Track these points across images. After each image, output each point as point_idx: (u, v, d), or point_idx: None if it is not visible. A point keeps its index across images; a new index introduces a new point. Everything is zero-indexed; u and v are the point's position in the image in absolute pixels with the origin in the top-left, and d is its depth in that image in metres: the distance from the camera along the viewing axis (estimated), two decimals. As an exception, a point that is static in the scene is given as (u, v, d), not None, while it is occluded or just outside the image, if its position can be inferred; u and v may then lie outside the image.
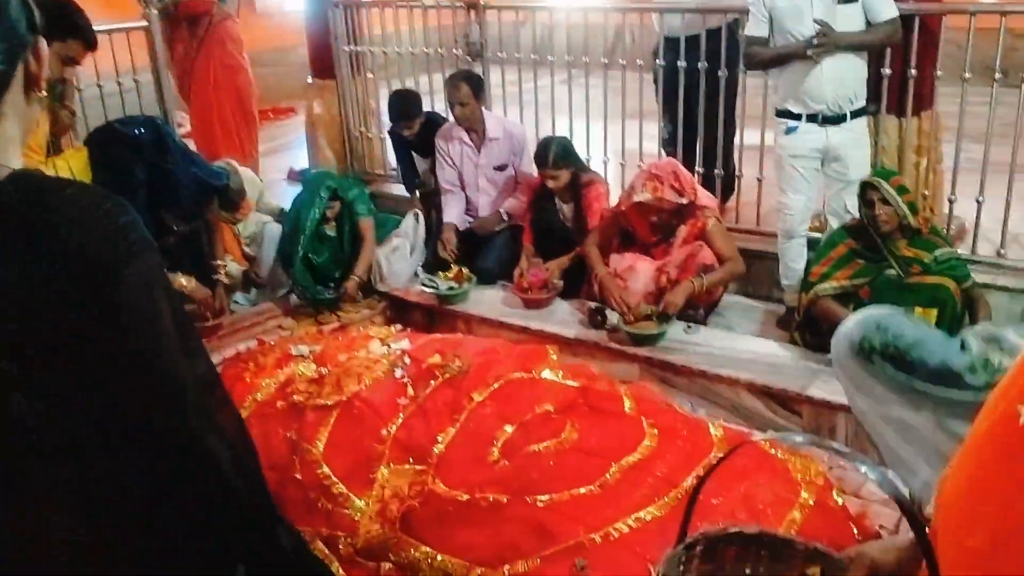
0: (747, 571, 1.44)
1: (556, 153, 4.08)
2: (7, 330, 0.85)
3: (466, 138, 4.53)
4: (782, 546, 1.42)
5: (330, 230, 4.32)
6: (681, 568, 1.40)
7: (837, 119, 3.54)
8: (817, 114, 3.54)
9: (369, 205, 4.43)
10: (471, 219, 4.66)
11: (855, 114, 3.56)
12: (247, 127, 5.93)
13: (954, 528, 0.94)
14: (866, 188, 3.27)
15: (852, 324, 1.89)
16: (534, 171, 4.37)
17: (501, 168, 4.57)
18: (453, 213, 4.61)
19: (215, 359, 3.78)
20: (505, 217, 4.55)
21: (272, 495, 2.83)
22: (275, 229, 4.45)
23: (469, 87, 4.36)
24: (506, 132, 4.54)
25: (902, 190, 3.24)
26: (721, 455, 2.56)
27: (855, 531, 2.46)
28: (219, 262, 4.05)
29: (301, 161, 6.28)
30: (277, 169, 6.41)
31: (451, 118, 4.57)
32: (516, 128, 4.65)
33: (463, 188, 4.65)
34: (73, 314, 0.86)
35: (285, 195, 5.28)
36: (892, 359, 1.71)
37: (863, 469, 1.07)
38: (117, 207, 0.92)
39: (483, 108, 4.55)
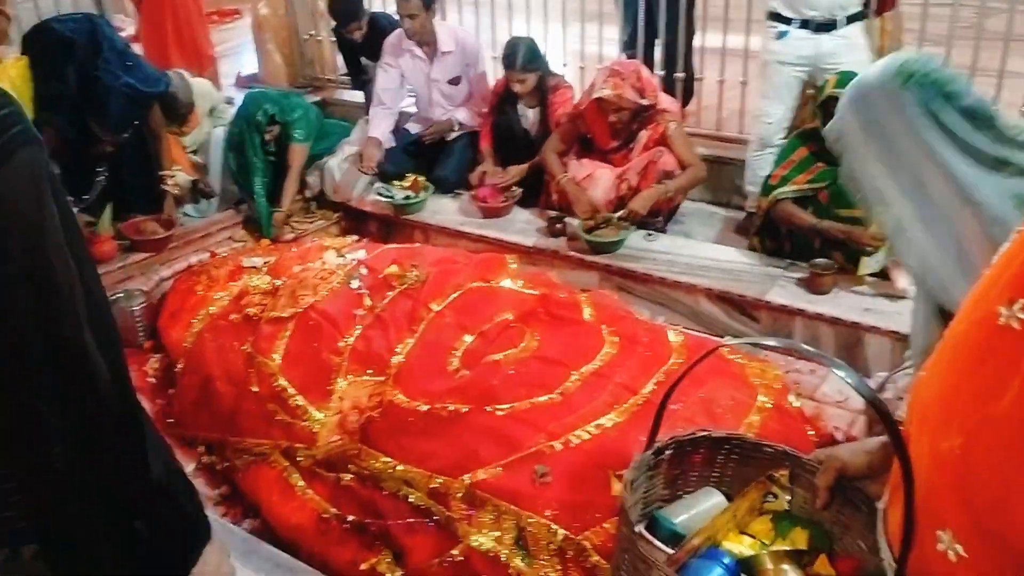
0: (715, 474, 1.44)
1: (524, 56, 3.94)
2: None
3: (417, 51, 4.32)
4: (751, 449, 1.42)
5: (272, 146, 4.16)
6: (650, 472, 1.39)
7: (830, 26, 3.44)
8: (810, 20, 3.44)
9: (309, 129, 4.19)
10: (417, 130, 4.51)
11: (850, 19, 3.46)
12: (203, 27, 5.62)
13: (928, 430, 0.93)
14: (830, 100, 3.20)
15: (892, 56, 1.84)
16: (489, 81, 4.23)
17: (455, 81, 4.40)
18: (380, 128, 4.40)
19: (166, 272, 3.71)
20: (456, 126, 4.42)
21: (226, 410, 2.79)
22: (220, 134, 4.27)
23: None
24: (459, 43, 4.33)
25: None
26: (681, 361, 2.59)
27: (811, 433, 2.51)
28: (166, 172, 3.90)
29: (250, 66, 6.03)
30: (224, 75, 6.15)
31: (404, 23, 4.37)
32: (469, 38, 4.45)
33: (419, 103, 4.49)
34: None
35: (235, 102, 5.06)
36: (927, 87, 1.67)
37: (841, 374, 1.05)
38: None
39: (435, 19, 4.33)
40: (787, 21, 3.50)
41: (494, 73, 4.45)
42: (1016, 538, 0.82)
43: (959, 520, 0.88)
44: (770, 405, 2.43)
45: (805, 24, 3.47)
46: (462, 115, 4.40)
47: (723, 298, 3.34)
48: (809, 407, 2.83)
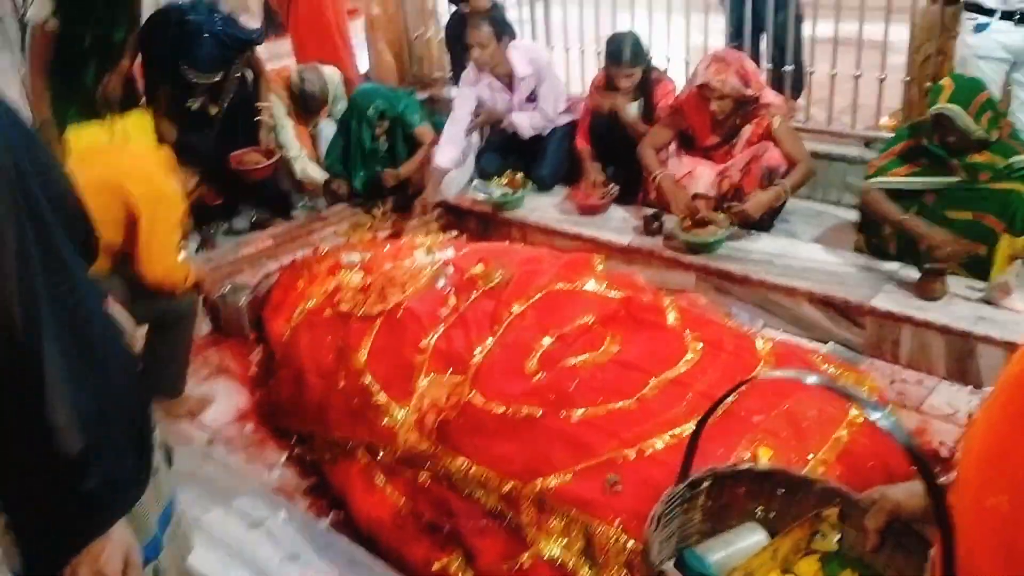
0: (760, 509, 1.35)
1: (632, 50, 3.87)
2: None
3: (495, 83, 4.26)
4: (798, 484, 1.32)
5: (382, 143, 4.23)
6: (684, 506, 1.32)
7: None
8: (1016, 12, 3.20)
9: (421, 112, 4.27)
10: None
11: None
12: (347, 20, 5.71)
13: (975, 484, 0.84)
14: (940, 116, 2.96)
15: None
16: (560, 91, 4.24)
17: (532, 99, 4.33)
18: (449, 156, 4.26)
19: (272, 266, 3.83)
20: (507, 120, 4.34)
21: (316, 403, 2.85)
22: (330, 128, 4.39)
23: (491, 28, 4.04)
24: (533, 63, 4.24)
25: (985, 107, 2.93)
26: (767, 370, 2.48)
27: (908, 450, 2.35)
28: (263, 104, 4.02)
29: (362, 64, 6.17)
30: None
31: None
32: (539, 56, 4.32)
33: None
34: None
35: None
36: None
37: (873, 416, 0.97)
38: None
39: (508, 45, 4.18)
40: (988, 13, 3.26)
41: (597, 68, 4.39)
42: None
43: None
44: (862, 420, 2.29)
45: (1008, 16, 3.22)
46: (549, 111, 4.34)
47: (826, 302, 3.18)
48: (913, 420, 2.66)
